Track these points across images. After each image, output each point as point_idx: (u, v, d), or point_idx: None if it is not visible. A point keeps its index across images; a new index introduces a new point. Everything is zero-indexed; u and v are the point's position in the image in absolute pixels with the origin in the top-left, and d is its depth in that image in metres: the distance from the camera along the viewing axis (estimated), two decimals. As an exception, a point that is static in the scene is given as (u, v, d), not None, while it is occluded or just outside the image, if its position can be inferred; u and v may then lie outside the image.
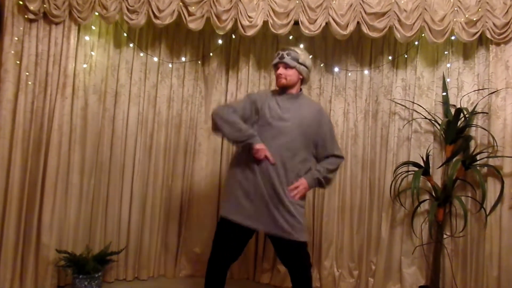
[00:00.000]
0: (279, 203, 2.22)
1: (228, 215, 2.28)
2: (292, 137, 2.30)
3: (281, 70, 2.38)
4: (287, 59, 2.37)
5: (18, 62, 2.91)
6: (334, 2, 2.90)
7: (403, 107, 3.22)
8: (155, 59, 3.29)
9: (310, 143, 2.37)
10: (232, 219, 2.26)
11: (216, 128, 2.30)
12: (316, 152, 2.42)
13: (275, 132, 2.29)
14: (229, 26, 2.97)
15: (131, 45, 3.24)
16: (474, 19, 2.86)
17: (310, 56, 3.20)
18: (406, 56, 3.22)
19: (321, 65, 3.35)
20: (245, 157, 2.29)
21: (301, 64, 2.40)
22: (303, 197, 2.34)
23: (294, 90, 2.43)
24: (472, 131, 3.05)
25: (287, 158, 2.28)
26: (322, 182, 2.39)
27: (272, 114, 2.32)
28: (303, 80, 2.47)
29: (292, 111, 2.35)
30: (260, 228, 2.28)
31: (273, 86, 3.26)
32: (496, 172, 2.87)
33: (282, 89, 2.42)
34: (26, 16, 2.91)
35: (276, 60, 2.40)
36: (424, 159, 3.03)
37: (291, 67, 2.38)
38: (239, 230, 2.27)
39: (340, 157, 2.47)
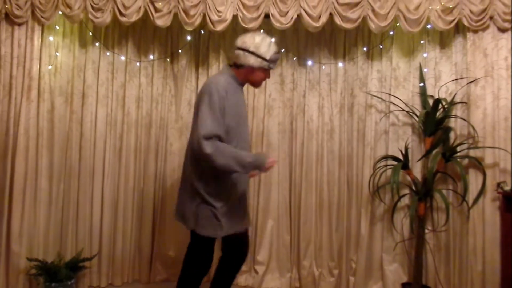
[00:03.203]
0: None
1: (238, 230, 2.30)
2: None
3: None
4: None
5: (-20, 65, 2.86)
6: (305, -7, 2.86)
7: (380, 100, 3.18)
8: (122, 58, 3.24)
9: None
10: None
11: (223, 169, 2.12)
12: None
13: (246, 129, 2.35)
14: (198, 21, 2.92)
15: (97, 44, 3.19)
16: (450, 6, 2.82)
17: (283, 50, 3.20)
18: (381, 47, 3.18)
19: (294, 59, 3.31)
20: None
21: None
22: None
23: None
24: (452, 122, 3.01)
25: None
26: None
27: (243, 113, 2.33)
28: None
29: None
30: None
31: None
32: (477, 164, 2.82)
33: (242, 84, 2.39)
34: (-13, 18, 2.88)
35: (274, 65, 2.34)
36: (403, 152, 2.98)
37: None
38: None
39: None
